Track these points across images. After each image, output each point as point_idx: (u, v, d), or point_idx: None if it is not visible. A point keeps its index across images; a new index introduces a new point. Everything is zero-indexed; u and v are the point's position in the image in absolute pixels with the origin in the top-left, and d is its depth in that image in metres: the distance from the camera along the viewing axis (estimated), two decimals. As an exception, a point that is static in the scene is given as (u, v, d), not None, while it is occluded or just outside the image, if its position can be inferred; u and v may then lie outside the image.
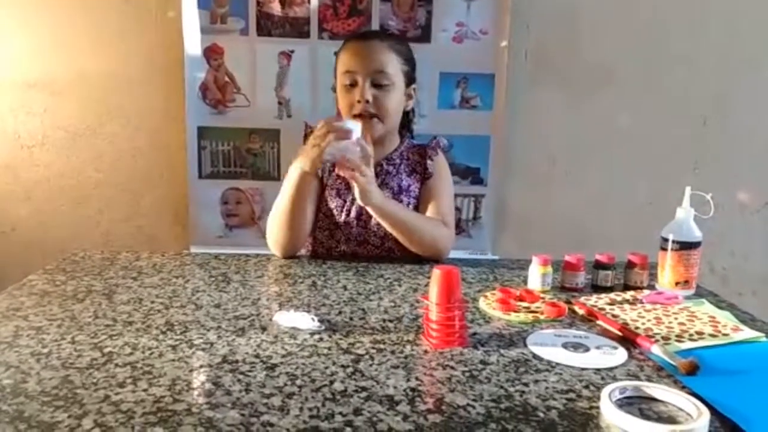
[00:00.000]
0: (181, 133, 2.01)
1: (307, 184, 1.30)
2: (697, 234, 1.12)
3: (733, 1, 2.05)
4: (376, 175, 1.37)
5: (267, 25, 1.96)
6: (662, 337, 0.90)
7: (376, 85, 1.32)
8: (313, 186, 1.35)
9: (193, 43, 1.95)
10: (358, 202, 1.26)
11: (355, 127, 1.22)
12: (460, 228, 2.04)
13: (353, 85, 1.33)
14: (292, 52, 1.98)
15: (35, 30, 1.98)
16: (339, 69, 1.37)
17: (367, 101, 1.31)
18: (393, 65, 1.34)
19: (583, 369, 0.80)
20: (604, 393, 0.70)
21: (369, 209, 1.28)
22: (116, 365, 0.78)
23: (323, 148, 1.21)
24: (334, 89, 1.42)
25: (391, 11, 1.97)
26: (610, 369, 0.81)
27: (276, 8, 1.95)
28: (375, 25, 1.96)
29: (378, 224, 1.35)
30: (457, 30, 1.99)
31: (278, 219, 1.31)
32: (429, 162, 1.41)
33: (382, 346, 0.86)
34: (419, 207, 1.40)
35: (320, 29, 1.97)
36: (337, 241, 1.38)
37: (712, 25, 2.06)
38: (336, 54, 1.40)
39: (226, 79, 1.98)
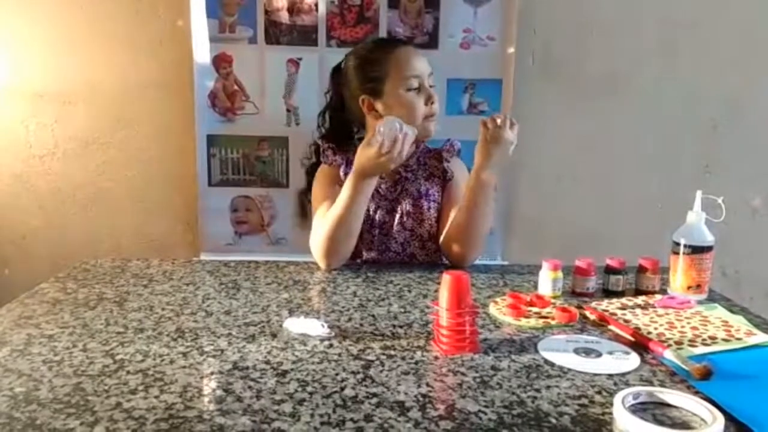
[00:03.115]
0: (190, 141, 2.02)
1: (371, 190, 1.27)
2: (708, 238, 1.11)
3: (743, 5, 2.04)
4: (395, 182, 1.38)
5: (275, 33, 1.97)
6: (675, 342, 0.90)
7: (430, 87, 1.36)
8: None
9: (202, 52, 1.96)
10: (486, 165, 1.25)
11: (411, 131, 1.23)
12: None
13: (419, 88, 1.33)
14: (300, 59, 1.98)
15: (45, 40, 2.00)
16: (400, 73, 1.32)
17: (433, 103, 1.35)
18: None
19: (595, 374, 0.80)
20: (617, 399, 0.69)
21: (487, 174, 1.26)
22: (128, 372, 0.78)
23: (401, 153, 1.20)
24: (360, 98, 1.36)
25: (399, 18, 1.97)
26: (623, 374, 0.80)
27: (284, 16, 1.96)
28: (383, 32, 1.97)
29: (399, 231, 1.36)
30: (464, 36, 1.99)
31: (343, 232, 1.25)
32: (446, 164, 1.41)
33: (392, 352, 0.86)
34: (443, 209, 1.38)
35: (328, 37, 1.97)
36: (359, 250, 1.37)
37: (721, 28, 2.04)
38: (373, 59, 1.35)
39: (235, 87, 1.99)
